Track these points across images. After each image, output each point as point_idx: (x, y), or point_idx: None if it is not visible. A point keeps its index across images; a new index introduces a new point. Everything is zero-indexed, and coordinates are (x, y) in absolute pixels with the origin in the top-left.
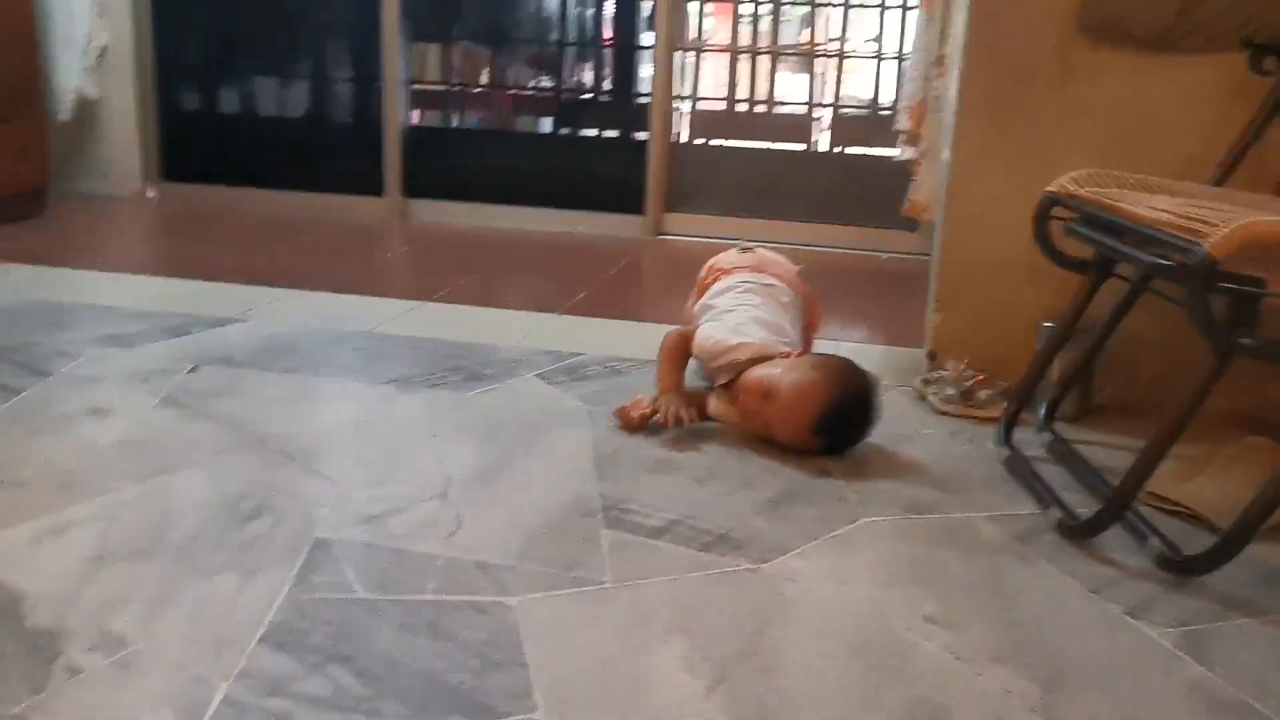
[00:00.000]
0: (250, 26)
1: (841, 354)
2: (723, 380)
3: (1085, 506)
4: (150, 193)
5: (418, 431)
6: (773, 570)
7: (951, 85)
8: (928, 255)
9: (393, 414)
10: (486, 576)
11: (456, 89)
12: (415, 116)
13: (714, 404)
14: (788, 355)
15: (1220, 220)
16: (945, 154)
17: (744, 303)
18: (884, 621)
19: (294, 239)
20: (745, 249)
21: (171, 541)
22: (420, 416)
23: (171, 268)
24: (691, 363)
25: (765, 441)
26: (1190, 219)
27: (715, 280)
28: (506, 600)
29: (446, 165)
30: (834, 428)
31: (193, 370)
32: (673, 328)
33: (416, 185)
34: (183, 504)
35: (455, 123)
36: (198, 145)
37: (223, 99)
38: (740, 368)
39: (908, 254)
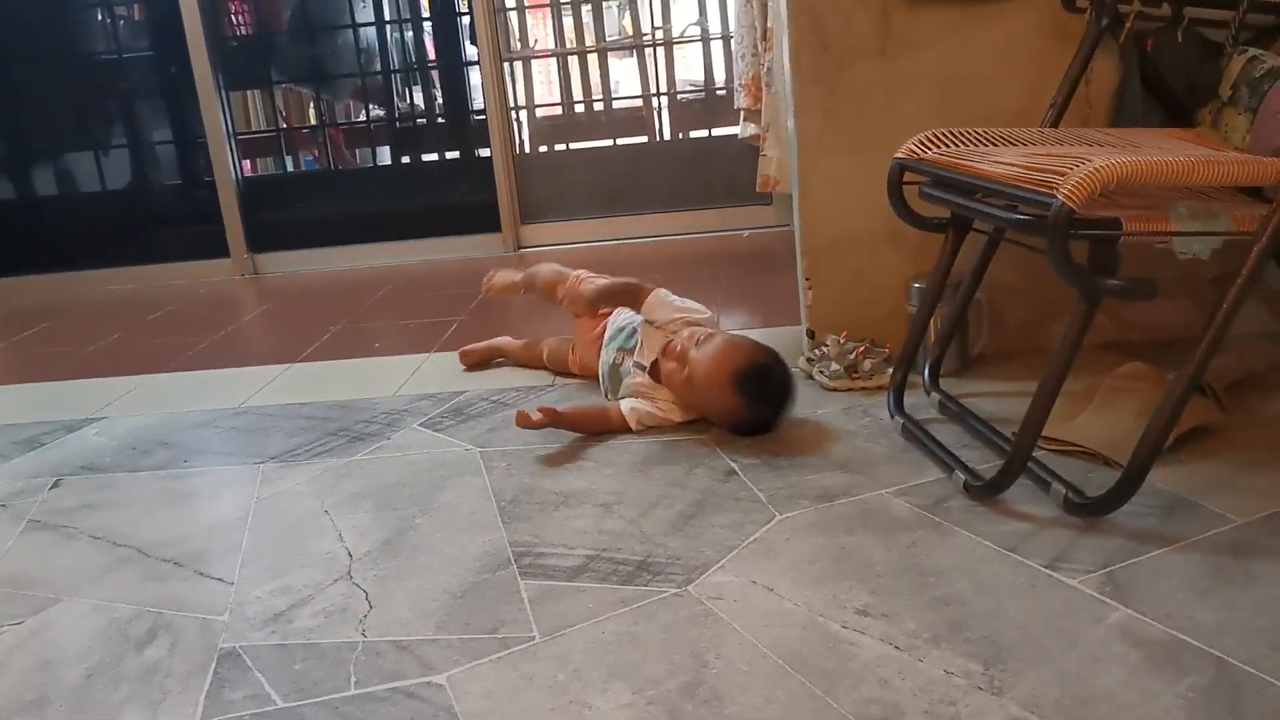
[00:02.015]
0: (56, 104)
1: None
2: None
3: (986, 463)
4: None
5: (308, 509)
6: (699, 591)
7: (782, 62)
8: (787, 226)
9: (279, 495)
10: (410, 657)
11: (285, 133)
12: (247, 167)
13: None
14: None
15: (1066, 167)
16: (790, 123)
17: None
18: (819, 624)
19: (140, 319)
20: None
21: (66, 685)
22: (308, 492)
23: (11, 372)
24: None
25: (668, 450)
26: (1037, 170)
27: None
28: (435, 679)
29: (289, 213)
30: (755, 382)
31: (55, 485)
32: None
33: (262, 239)
34: (70, 640)
35: (290, 168)
36: (17, 234)
37: (38, 182)
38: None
39: (767, 227)
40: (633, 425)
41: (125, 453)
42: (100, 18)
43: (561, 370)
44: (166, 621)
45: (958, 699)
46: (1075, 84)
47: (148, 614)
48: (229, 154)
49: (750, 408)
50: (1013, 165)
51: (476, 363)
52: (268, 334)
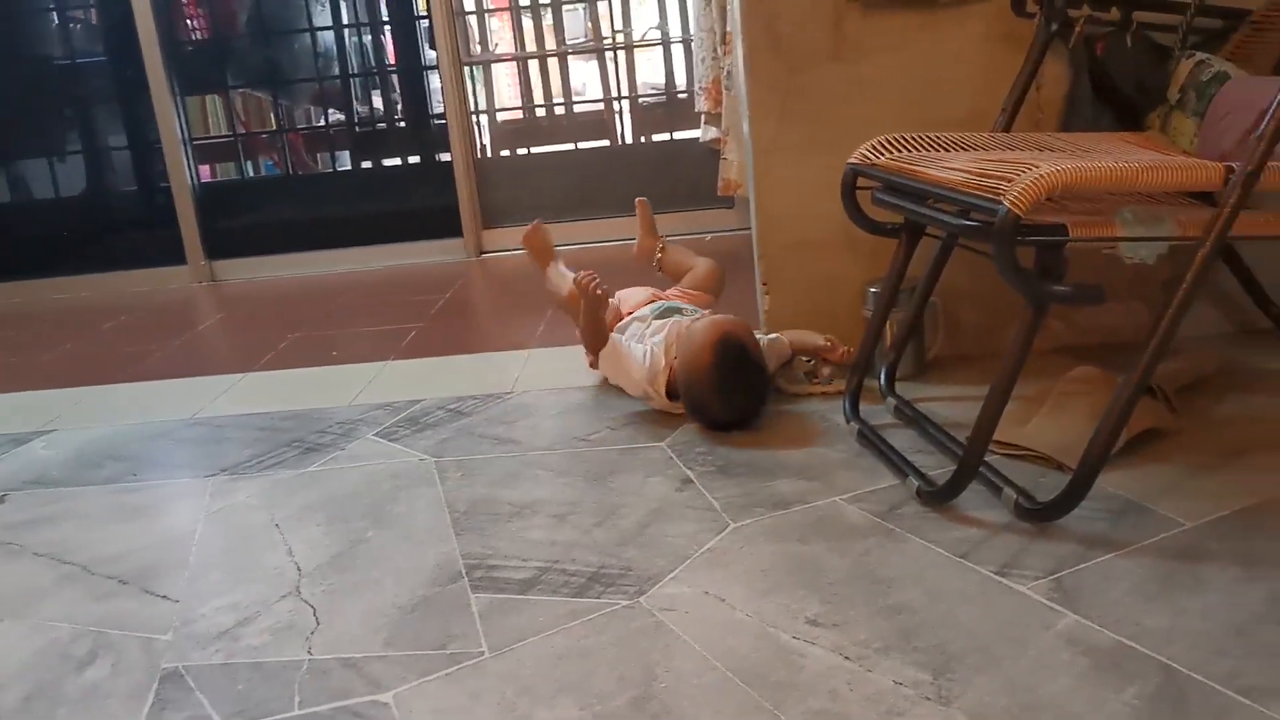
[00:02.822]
0: (7, 109)
1: None
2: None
3: (939, 468)
4: None
5: (259, 523)
6: (650, 603)
7: (738, 68)
8: (749, 229)
9: (230, 508)
10: (356, 674)
11: (243, 138)
12: (205, 173)
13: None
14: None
15: (1013, 174)
16: (745, 127)
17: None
18: (770, 635)
19: (94, 328)
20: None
21: (3, 708)
22: (260, 505)
23: None
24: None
25: (625, 459)
26: (985, 176)
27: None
28: (381, 697)
29: (248, 219)
30: (733, 351)
31: (1, 501)
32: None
33: (220, 245)
34: (9, 663)
35: (249, 173)
36: None
37: None
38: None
39: (730, 230)
40: (593, 361)
41: (75, 466)
42: (54, 22)
43: (567, 298)
44: (109, 641)
45: (906, 709)
46: (1026, 89)
47: (90, 634)
48: (184, 159)
49: (717, 369)
50: (962, 171)
51: (536, 247)
52: (224, 342)
